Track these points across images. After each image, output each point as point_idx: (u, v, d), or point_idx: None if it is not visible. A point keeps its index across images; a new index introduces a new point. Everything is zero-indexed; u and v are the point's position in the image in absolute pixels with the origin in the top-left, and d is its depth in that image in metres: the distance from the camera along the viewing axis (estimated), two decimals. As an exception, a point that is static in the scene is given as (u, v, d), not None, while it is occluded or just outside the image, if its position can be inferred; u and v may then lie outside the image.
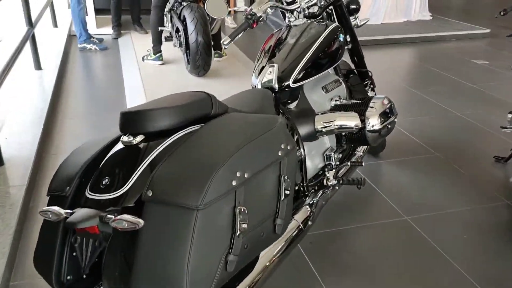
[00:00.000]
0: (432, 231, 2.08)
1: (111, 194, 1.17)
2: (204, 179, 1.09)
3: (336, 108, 2.04)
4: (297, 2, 2.11)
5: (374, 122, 1.94)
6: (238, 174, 1.16)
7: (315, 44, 1.93)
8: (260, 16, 1.93)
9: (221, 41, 1.94)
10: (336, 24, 2.09)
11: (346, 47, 2.34)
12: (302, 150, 1.81)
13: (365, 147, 2.30)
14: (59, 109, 3.40)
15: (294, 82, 1.84)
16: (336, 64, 2.10)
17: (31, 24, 3.73)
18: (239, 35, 1.93)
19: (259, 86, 1.87)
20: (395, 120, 2.05)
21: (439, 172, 2.60)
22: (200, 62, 3.91)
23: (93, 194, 1.19)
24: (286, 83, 1.83)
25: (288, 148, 1.34)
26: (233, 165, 1.15)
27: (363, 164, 2.05)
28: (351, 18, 2.33)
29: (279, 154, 1.31)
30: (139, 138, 1.25)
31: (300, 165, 1.80)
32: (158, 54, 4.47)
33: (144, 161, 1.21)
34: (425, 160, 2.73)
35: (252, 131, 1.28)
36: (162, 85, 3.91)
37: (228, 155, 1.16)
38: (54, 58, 4.26)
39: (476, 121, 3.28)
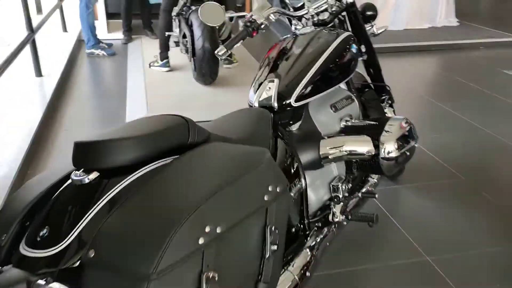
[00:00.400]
0: (458, 276, 1.78)
1: (48, 250, 0.93)
2: (160, 238, 0.84)
3: (346, 130, 1.76)
4: (305, 8, 1.85)
5: (389, 148, 1.65)
6: (207, 229, 0.91)
7: (323, 56, 1.67)
8: (262, 24, 1.68)
9: (215, 51, 1.70)
10: (349, 32, 1.82)
11: (360, 59, 2.07)
12: (303, 180, 1.54)
13: (380, 174, 2.01)
14: (55, 119, 3.20)
15: (296, 101, 1.58)
16: (348, 78, 1.83)
17: (31, 29, 3.56)
18: (237, 45, 1.69)
19: (256, 104, 1.62)
20: (416, 145, 1.77)
21: (466, 200, 2.29)
22: (206, 70, 3.68)
23: (27, 249, 0.95)
24: (287, 102, 1.57)
25: (278, 190, 1.08)
26: (202, 217, 0.90)
27: (377, 195, 1.77)
28: (367, 26, 2.06)
29: (265, 199, 1.05)
30: (93, 175, 1.00)
31: (300, 198, 1.53)
32: (165, 61, 4.26)
33: (95, 207, 0.96)
34: (450, 185, 2.42)
35: (232, 170, 1.03)
36: (166, 95, 3.69)
37: (195, 204, 0.90)
38: (58, 64, 4.09)
39: (510, 140, 2.95)
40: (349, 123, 1.79)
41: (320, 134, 1.69)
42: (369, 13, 2.07)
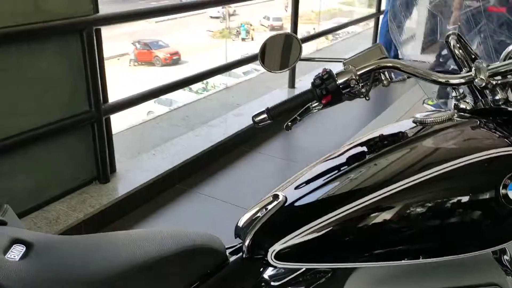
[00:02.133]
0: None
1: None
2: None
3: None
4: (472, 72, 0.89)
5: None
6: None
7: (423, 175, 0.80)
8: (346, 85, 0.92)
9: (252, 115, 1.01)
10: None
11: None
12: None
13: None
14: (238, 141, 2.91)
15: (280, 256, 0.82)
16: (494, 248, 0.85)
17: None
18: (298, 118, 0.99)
19: (240, 224, 0.89)
20: None
21: None
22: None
23: None
24: (265, 250, 0.81)
25: None
26: None
27: None
28: None
29: None
30: None
31: None
32: (442, 101, 3.31)
33: None
34: None
35: None
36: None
37: None
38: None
39: None
40: None
41: None
42: None
